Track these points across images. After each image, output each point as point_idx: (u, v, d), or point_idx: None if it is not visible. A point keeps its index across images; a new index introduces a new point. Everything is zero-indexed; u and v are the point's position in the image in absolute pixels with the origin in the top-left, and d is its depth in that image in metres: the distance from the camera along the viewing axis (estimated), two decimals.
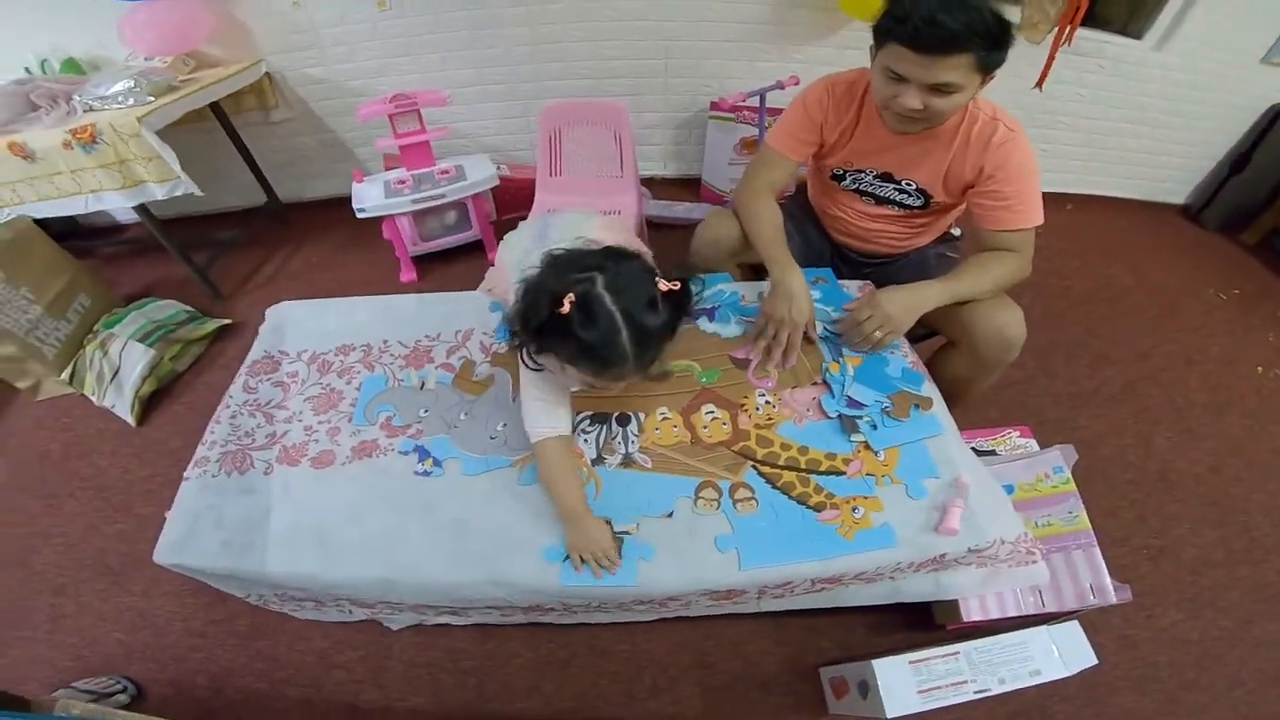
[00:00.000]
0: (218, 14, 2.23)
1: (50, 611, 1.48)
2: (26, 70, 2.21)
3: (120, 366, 1.88)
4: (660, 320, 0.93)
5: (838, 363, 1.25)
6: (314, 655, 1.38)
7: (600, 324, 0.88)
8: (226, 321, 2.18)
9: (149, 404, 1.92)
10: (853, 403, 1.19)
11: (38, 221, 1.99)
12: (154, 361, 1.92)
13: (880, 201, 1.40)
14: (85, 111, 1.90)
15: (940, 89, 1.09)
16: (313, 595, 1.17)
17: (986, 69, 1.08)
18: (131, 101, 1.89)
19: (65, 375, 1.92)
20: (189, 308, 2.15)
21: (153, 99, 1.92)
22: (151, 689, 1.35)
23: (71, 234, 2.63)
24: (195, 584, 1.20)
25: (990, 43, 1.04)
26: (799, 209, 1.61)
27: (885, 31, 1.10)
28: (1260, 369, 2.08)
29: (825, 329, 1.31)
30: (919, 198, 1.35)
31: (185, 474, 1.18)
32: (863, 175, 1.37)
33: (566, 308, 0.88)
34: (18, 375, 1.91)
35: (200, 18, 2.18)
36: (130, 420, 1.86)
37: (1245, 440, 1.83)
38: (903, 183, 1.34)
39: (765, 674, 1.33)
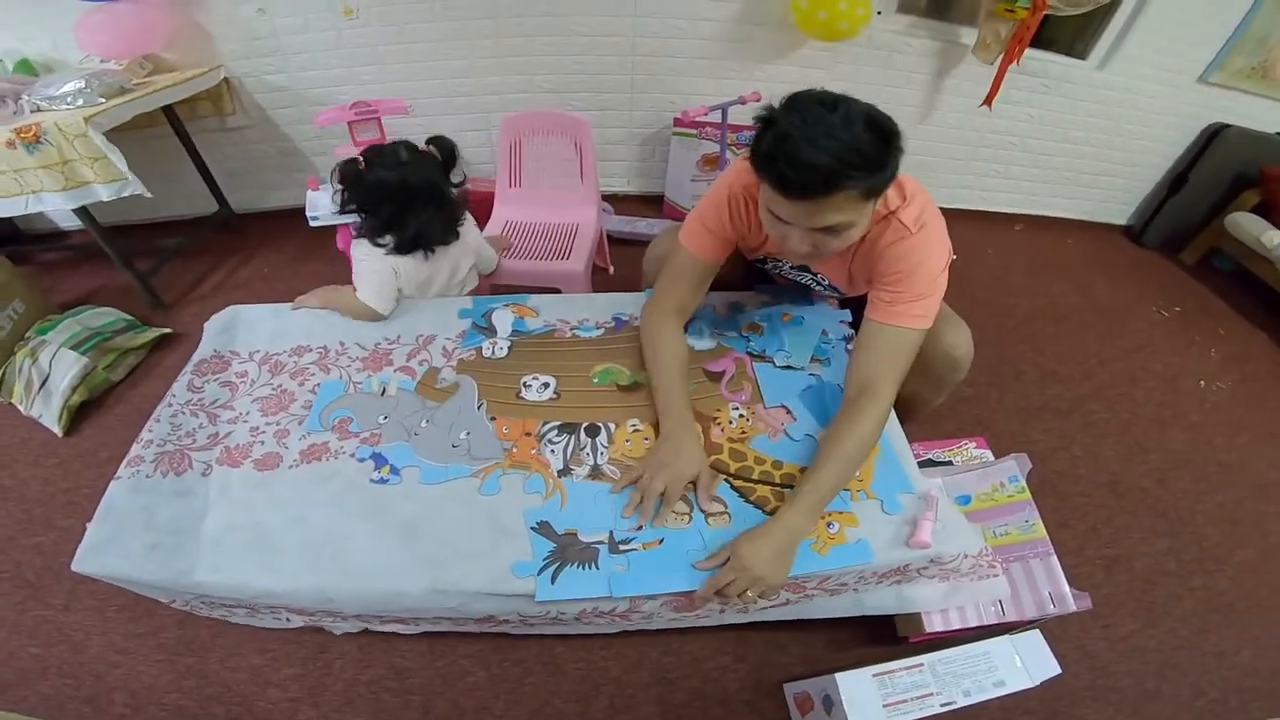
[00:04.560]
0: (178, 18, 2.18)
1: None
2: None
3: (50, 374, 1.78)
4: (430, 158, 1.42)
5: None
6: (247, 672, 1.30)
7: (386, 152, 1.38)
8: (166, 331, 2.08)
9: (79, 414, 1.82)
10: None
11: None
12: (86, 370, 1.82)
13: (803, 288, 1.41)
14: (33, 111, 1.85)
15: (828, 230, 0.95)
16: (244, 603, 1.09)
17: (876, 193, 0.94)
18: (81, 102, 1.85)
19: None
20: (128, 316, 2.06)
21: (103, 100, 1.87)
22: (66, 706, 1.25)
23: (10, 239, 2.52)
24: (120, 598, 1.13)
25: (872, 167, 0.88)
26: None
27: (756, 167, 0.94)
28: (1202, 383, 2.15)
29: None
30: (834, 291, 1.36)
31: (117, 473, 1.10)
32: (780, 264, 1.36)
33: (362, 163, 1.37)
34: None
35: (159, 21, 2.14)
36: (57, 430, 1.75)
37: (1190, 453, 1.88)
38: (818, 276, 1.32)
39: (727, 691, 1.29)
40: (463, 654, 1.32)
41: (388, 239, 1.40)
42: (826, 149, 0.85)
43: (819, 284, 1.35)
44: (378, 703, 1.26)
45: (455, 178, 1.47)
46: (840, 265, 1.21)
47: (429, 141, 1.43)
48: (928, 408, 1.46)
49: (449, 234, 1.47)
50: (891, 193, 1.05)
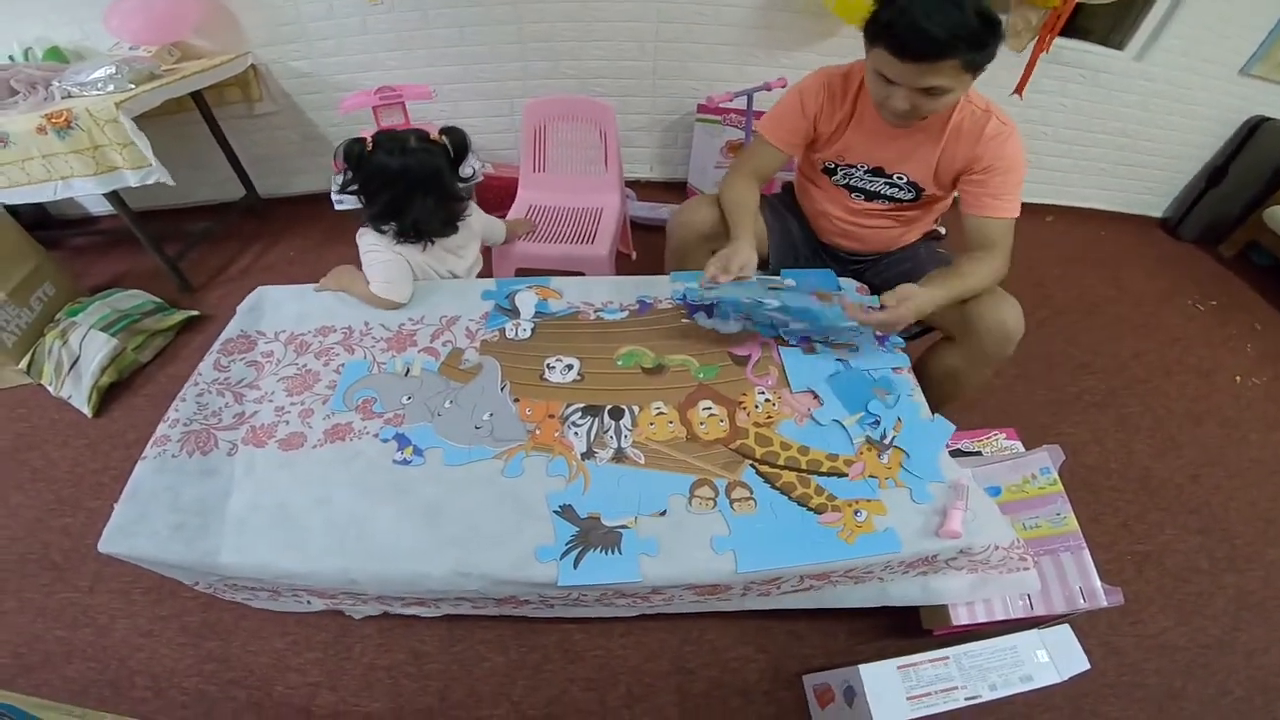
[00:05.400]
0: (206, 4, 2.21)
1: None
2: (10, 58, 2.17)
3: (80, 356, 1.81)
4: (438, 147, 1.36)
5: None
6: (269, 656, 1.31)
7: (395, 138, 1.32)
8: (194, 313, 2.11)
9: (108, 395, 1.85)
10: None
11: (8, 208, 1.94)
12: (115, 351, 1.85)
13: (870, 197, 1.40)
14: (64, 98, 1.88)
15: (929, 91, 1.11)
16: (266, 585, 1.10)
17: (975, 68, 1.09)
18: (111, 88, 1.87)
19: (23, 364, 1.85)
20: (156, 298, 2.09)
21: (133, 86, 1.90)
22: (90, 690, 1.27)
23: (42, 224, 2.57)
24: (145, 580, 1.13)
25: (976, 44, 1.04)
26: (782, 205, 1.60)
27: (872, 35, 1.12)
28: (1238, 378, 2.10)
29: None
30: (910, 191, 1.35)
31: (143, 453, 1.11)
32: (853, 170, 1.37)
33: (370, 145, 1.31)
34: None
35: (188, 7, 2.17)
36: (86, 411, 1.78)
37: (1224, 449, 1.83)
38: (894, 176, 1.34)
39: (746, 682, 1.28)
40: (481, 639, 1.32)
41: (389, 226, 1.37)
42: (940, 22, 1.01)
43: (894, 185, 1.36)
44: (396, 687, 1.27)
45: (466, 172, 1.43)
46: (928, 156, 1.29)
47: (442, 131, 1.38)
48: (967, 389, 1.43)
49: (448, 227, 1.42)
50: (978, 99, 1.24)
